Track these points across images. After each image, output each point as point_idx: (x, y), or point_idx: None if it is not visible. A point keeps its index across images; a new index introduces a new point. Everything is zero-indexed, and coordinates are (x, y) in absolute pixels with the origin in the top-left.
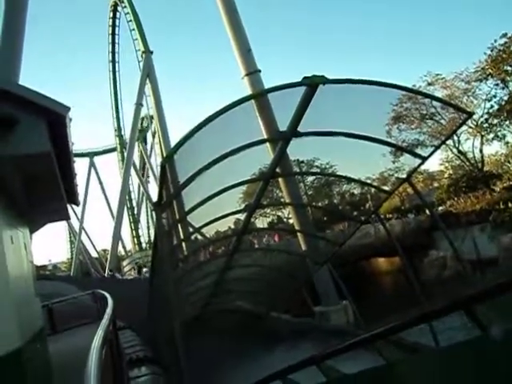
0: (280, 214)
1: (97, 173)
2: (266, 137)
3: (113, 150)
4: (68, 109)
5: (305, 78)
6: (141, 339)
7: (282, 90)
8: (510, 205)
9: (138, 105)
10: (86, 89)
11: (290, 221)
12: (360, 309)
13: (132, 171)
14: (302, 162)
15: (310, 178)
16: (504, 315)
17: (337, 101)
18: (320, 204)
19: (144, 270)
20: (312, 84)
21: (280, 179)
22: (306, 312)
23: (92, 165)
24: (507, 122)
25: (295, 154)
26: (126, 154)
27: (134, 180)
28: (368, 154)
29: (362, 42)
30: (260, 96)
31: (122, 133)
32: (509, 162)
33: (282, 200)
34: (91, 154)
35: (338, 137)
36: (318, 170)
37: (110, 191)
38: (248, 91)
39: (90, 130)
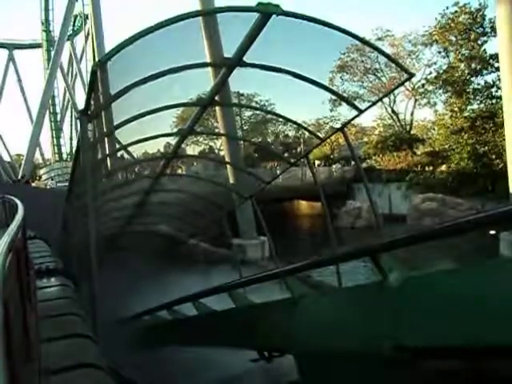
0: (212, 144)
1: (16, 69)
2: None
3: (38, 45)
4: None
5: (259, 3)
6: (53, 251)
7: (232, 13)
8: (426, 169)
9: None
10: None
11: (222, 152)
12: (276, 246)
13: (58, 73)
14: (242, 94)
15: (248, 113)
16: (403, 265)
17: (287, 36)
18: (254, 140)
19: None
20: (266, 12)
21: (217, 109)
22: (224, 243)
23: (11, 58)
24: (440, 91)
25: (236, 86)
26: (53, 53)
27: (60, 84)
28: (308, 99)
29: None
30: (208, 14)
31: (51, 28)
32: (434, 129)
33: (217, 130)
34: (11, 46)
35: (282, 74)
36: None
37: (31, 92)
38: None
39: (9, 19)
